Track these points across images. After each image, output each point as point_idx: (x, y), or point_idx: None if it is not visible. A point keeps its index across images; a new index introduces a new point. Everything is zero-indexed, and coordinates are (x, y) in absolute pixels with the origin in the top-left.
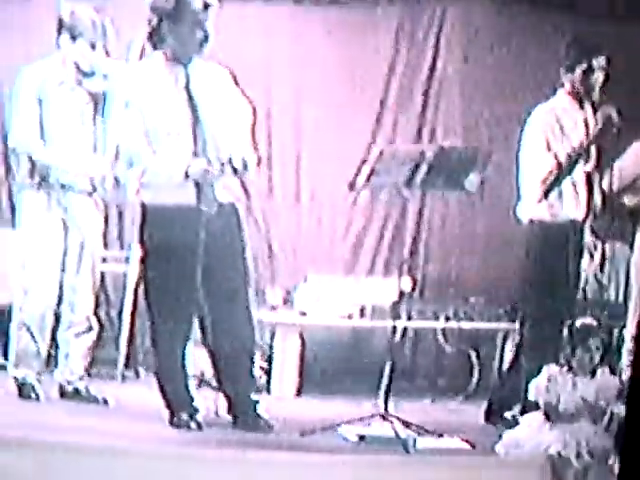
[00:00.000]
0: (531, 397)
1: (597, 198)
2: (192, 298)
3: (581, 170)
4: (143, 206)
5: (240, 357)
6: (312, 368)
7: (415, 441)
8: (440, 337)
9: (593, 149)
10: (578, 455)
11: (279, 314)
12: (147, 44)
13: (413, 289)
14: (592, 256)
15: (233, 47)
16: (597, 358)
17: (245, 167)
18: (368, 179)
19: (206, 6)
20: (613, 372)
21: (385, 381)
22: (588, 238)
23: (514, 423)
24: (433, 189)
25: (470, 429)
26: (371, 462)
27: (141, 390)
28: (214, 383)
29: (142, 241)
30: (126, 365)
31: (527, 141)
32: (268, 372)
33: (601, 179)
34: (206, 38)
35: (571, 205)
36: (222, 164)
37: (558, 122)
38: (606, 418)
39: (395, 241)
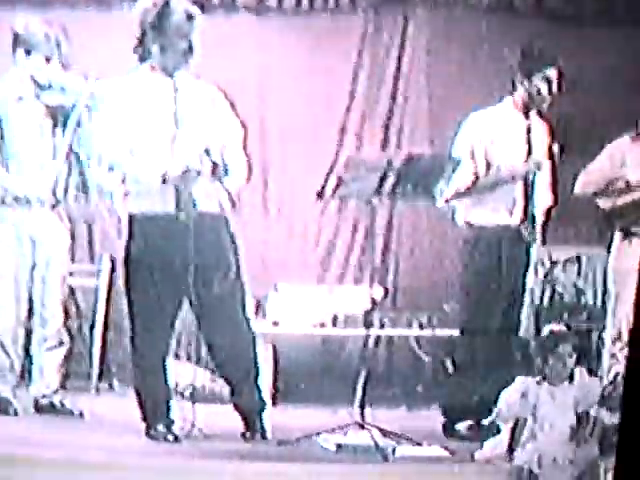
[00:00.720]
0: (505, 412)
1: (541, 205)
2: (174, 309)
3: (520, 176)
4: (127, 215)
5: (240, 369)
6: (286, 377)
7: (394, 450)
8: (414, 345)
9: (542, 157)
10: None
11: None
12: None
13: (385, 297)
14: (542, 263)
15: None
16: (571, 364)
17: (225, 173)
18: (336, 188)
19: (190, 17)
20: (595, 375)
21: (360, 389)
22: (534, 246)
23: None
24: (402, 198)
25: (450, 438)
26: (350, 471)
27: (116, 402)
28: (189, 395)
29: (127, 250)
30: (100, 378)
31: (456, 145)
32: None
33: (554, 184)
34: (191, 49)
35: (505, 211)
36: (198, 172)
37: (494, 130)
38: (589, 424)
39: (365, 249)
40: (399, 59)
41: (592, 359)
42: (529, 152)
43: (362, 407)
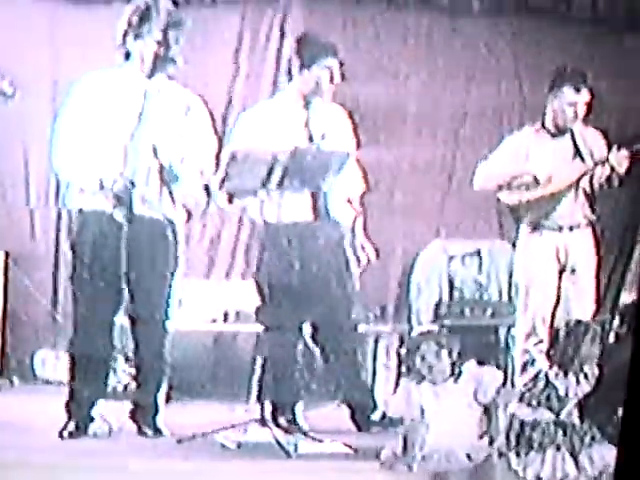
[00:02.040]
0: (390, 413)
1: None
2: (113, 306)
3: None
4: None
5: (154, 367)
6: (180, 374)
7: (296, 446)
8: (309, 341)
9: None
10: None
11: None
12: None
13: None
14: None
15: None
16: (440, 363)
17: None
18: (222, 183)
19: (175, 23)
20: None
21: (255, 386)
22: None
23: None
24: (289, 192)
25: (354, 434)
26: (252, 468)
27: (17, 399)
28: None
29: (72, 248)
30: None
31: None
32: (135, 377)
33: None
34: (173, 60)
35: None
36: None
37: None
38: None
39: (251, 245)
40: (280, 46)
41: (499, 355)
42: (310, 140)
43: (261, 403)
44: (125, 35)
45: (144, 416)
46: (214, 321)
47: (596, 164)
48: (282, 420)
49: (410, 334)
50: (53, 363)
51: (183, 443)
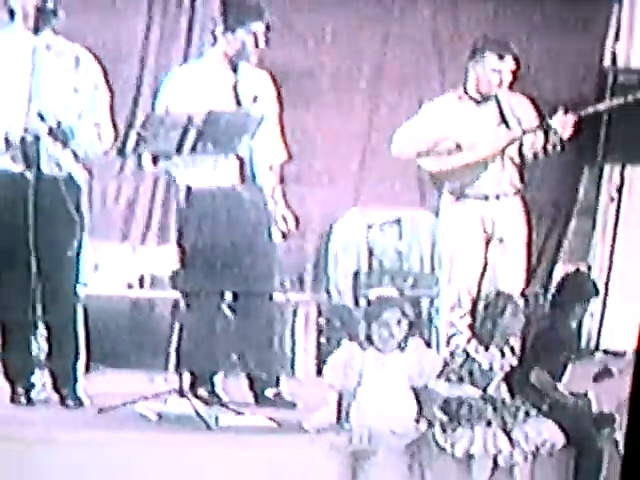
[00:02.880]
0: (327, 380)
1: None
2: (27, 269)
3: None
4: None
5: (64, 333)
6: (99, 342)
7: (217, 418)
8: (226, 309)
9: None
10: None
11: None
12: None
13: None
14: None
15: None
16: (400, 332)
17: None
18: (136, 145)
19: None
20: (428, 345)
21: (173, 355)
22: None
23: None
24: (203, 155)
25: (280, 406)
26: (172, 440)
27: None
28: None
29: None
30: None
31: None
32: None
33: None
34: (54, 13)
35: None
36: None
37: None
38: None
39: (166, 209)
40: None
41: (423, 327)
42: (238, 103)
43: (179, 373)
44: None
45: (64, 386)
46: (130, 286)
47: (525, 132)
48: (202, 391)
49: (330, 301)
50: None
51: (104, 413)
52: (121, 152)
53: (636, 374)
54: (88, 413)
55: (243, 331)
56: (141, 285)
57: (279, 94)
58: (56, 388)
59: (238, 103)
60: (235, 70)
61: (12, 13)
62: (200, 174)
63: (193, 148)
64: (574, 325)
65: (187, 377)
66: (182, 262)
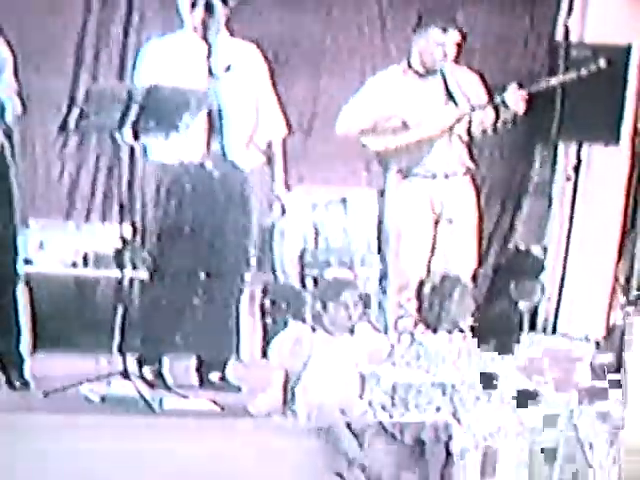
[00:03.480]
0: (273, 362)
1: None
2: None
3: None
4: None
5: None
6: (44, 322)
7: (162, 401)
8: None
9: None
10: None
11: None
12: None
13: (134, 236)
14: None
15: None
16: (356, 313)
17: None
18: (79, 121)
19: None
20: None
21: (117, 336)
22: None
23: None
24: (145, 133)
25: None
26: (116, 422)
27: None
28: None
29: None
30: None
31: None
32: None
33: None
34: None
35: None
36: None
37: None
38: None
39: (110, 186)
40: None
41: (370, 308)
42: (210, 73)
43: (123, 355)
44: None
45: (11, 367)
46: (74, 265)
47: (473, 108)
48: (148, 373)
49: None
50: None
51: (50, 396)
52: (63, 128)
53: None
54: (33, 395)
55: (190, 312)
56: (85, 264)
57: (270, 66)
58: (3, 369)
59: (210, 72)
60: (207, 39)
61: None
62: (171, 150)
63: (135, 124)
64: (521, 306)
65: (132, 359)
66: (129, 240)
